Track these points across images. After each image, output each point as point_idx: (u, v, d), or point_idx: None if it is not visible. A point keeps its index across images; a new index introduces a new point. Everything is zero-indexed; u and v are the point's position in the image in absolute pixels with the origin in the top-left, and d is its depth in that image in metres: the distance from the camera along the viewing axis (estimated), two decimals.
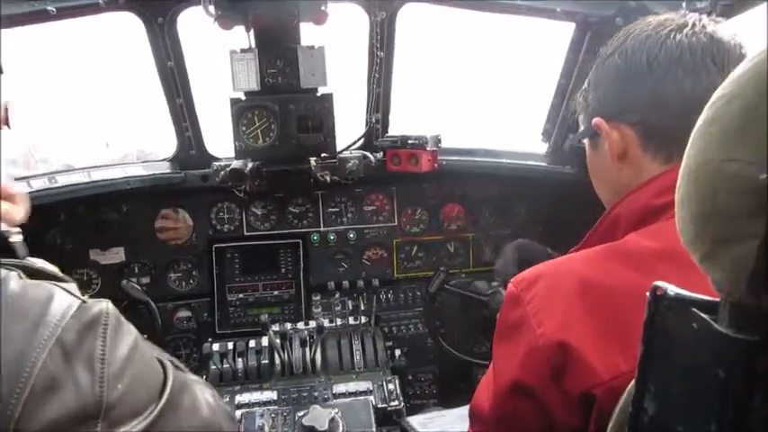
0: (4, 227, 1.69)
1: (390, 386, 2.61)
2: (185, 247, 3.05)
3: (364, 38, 2.66)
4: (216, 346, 2.78)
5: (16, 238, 1.85)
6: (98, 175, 2.74)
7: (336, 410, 2.27)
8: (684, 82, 1.19)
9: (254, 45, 2.50)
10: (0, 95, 1.28)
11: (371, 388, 2.60)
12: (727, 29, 1.23)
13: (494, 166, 3.08)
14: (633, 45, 1.28)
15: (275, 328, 2.84)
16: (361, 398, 2.53)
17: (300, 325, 3.02)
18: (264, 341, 2.80)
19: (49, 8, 2.21)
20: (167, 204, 3.01)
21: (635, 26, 1.32)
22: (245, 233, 3.10)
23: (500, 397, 1.22)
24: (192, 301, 3.07)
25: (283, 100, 2.59)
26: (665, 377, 0.76)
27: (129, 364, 1.00)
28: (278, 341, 2.76)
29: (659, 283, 0.74)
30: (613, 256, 1.16)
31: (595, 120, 1.34)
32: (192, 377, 1.33)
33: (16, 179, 2.59)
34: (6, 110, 1.28)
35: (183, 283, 3.08)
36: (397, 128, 2.97)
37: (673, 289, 0.73)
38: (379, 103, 2.85)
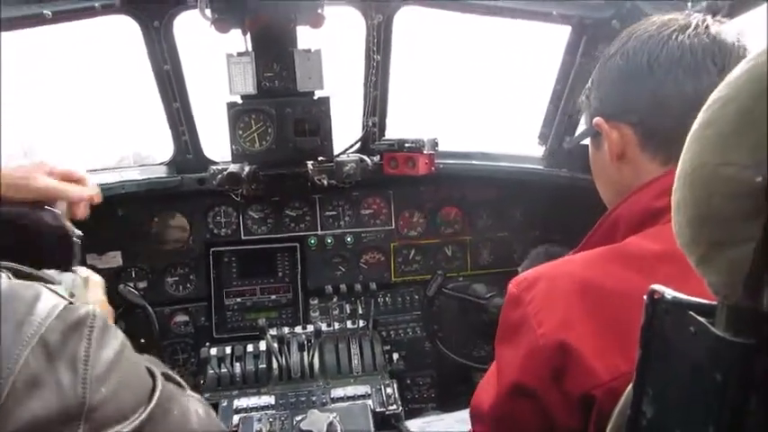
0: (69, 225, 1.78)
1: (389, 390, 2.60)
2: (182, 251, 3.05)
3: (361, 41, 2.67)
4: (213, 351, 2.77)
5: (76, 239, 1.92)
6: (94, 179, 2.71)
7: (334, 415, 2.26)
8: (685, 83, 1.19)
9: (250, 48, 2.50)
10: None
11: (370, 392, 2.59)
12: (732, 30, 1.23)
13: (491, 169, 3.08)
14: (635, 45, 1.28)
15: (273, 332, 2.83)
16: (360, 402, 2.53)
17: (298, 329, 3.01)
18: (262, 345, 2.80)
19: (45, 12, 2.21)
20: (164, 208, 3.00)
21: (638, 26, 1.32)
22: (243, 237, 3.10)
23: (501, 397, 1.22)
24: (189, 305, 3.07)
25: (280, 103, 2.58)
26: (663, 380, 0.76)
27: (115, 367, 1.00)
28: (275, 345, 2.75)
29: (656, 286, 0.74)
30: (614, 257, 1.16)
31: (596, 119, 1.35)
32: (189, 392, 1.32)
33: None
34: None
35: (181, 288, 3.07)
36: (394, 131, 2.97)
37: (670, 292, 0.73)
38: (375, 106, 2.85)
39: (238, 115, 2.59)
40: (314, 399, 2.56)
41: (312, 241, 3.14)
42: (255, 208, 3.10)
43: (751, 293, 0.59)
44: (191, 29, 2.51)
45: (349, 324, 3.07)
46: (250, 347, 2.80)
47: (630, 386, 0.83)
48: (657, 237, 1.12)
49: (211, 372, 2.72)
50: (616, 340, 1.02)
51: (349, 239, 3.17)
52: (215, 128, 2.78)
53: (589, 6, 2.46)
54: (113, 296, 2.81)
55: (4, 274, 0.96)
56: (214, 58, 2.57)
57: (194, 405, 1.27)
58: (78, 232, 1.99)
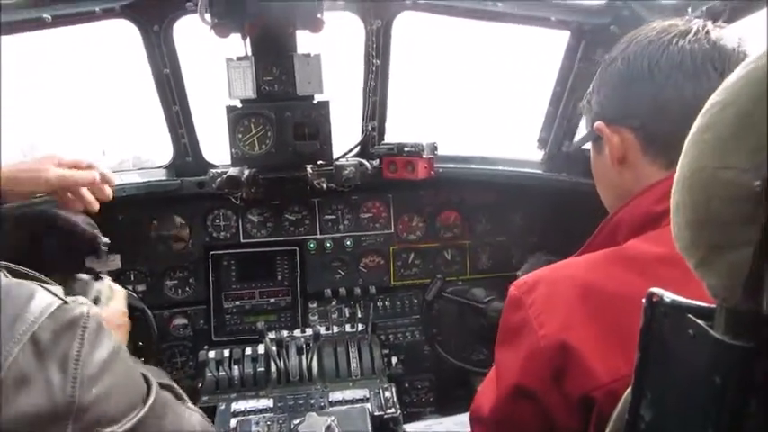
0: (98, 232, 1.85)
1: (387, 394, 2.60)
2: (181, 254, 3.05)
3: (360, 46, 2.67)
4: (212, 354, 2.77)
5: (104, 246, 1.99)
6: None
7: (333, 418, 2.26)
8: (685, 88, 1.20)
9: (250, 53, 2.50)
10: None
11: (368, 395, 2.59)
12: (732, 35, 1.24)
13: (490, 173, 3.09)
14: (635, 50, 1.29)
15: (271, 335, 2.82)
16: (358, 405, 2.52)
17: (297, 332, 3.01)
18: (261, 349, 2.79)
19: (44, 16, 2.22)
20: (163, 212, 3.00)
21: (639, 32, 1.33)
22: (242, 240, 3.10)
23: (502, 400, 1.22)
24: (188, 308, 3.06)
25: (279, 108, 2.58)
26: (662, 384, 0.76)
27: (108, 369, 1.00)
28: (274, 349, 2.75)
29: (655, 289, 0.74)
30: (616, 260, 1.17)
31: (597, 123, 1.35)
32: (189, 405, 1.33)
33: None
34: None
35: (180, 291, 3.07)
36: (393, 135, 2.98)
37: (669, 295, 0.73)
38: (375, 110, 2.86)
39: (238, 119, 2.59)
40: (312, 402, 2.56)
41: (311, 245, 3.14)
42: (255, 212, 3.11)
43: (750, 296, 0.59)
44: (190, 33, 2.52)
45: (348, 327, 3.07)
46: (249, 351, 2.79)
47: (628, 390, 0.83)
48: (659, 240, 1.12)
49: (210, 375, 2.71)
50: (617, 343, 1.03)
51: (348, 243, 3.17)
52: (214, 132, 2.78)
53: (588, 12, 2.47)
54: None
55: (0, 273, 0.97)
56: (214, 63, 2.58)
57: (191, 417, 1.28)
58: (105, 240, 2.07)
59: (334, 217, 3.18)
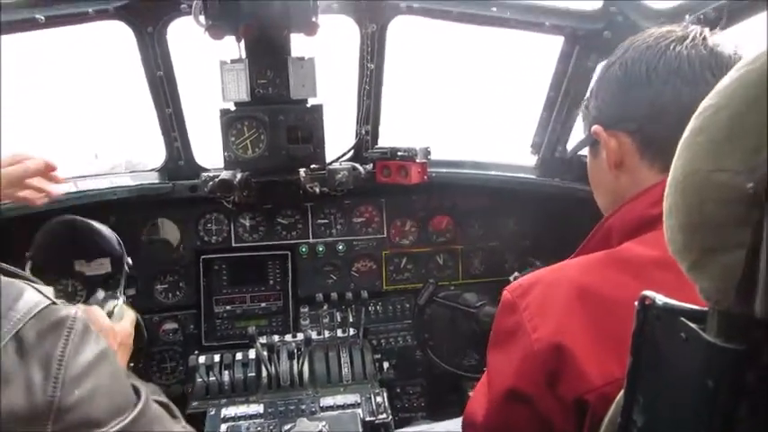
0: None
1: (378, 399, 2.59)
2: (172, 258, 3.03)
3: (355, 50, 2.67)
4: (202, 359, 2.74)
5: (127, 268, 2.04)
6: (85, 186, 2.71)
7: (324, 423, 2.25)
8: (682, 93, 1.21)
9: (244, 55, 2.50)
10: None
11: (359, 401, 2.57)
12: (729, 41, 1.25)
13: (483, 178, 3.09)
14: (633, 56, 1.30)
15: (262, 340, 2.81)
16: (349, 411, 2.50)
17: (288, 337, 2.99)
18: (251, 354, 2.77)
19: (37, 16, 2.21)
20: (155, 215, 2.99)
21: (637, 37, 1.34)
22: (233, 244, 3.08)
23: (495, 405, 1.21)
24: (178, 312, 3.04)
25: (273, 111, 2.58)
26: (654, 388, 0.76)
27: (92, 372, 0.98)
28: (265, 353, 2.73)
29: (648, 292, 0.74)
30: (611, 263, 1.17)
31: (594, 127, 1.36)
32: (183, 424, 1.32)
33: None
34: None
35: (170, 295, 3.05)
36: (386, 140, 2.97)
37: (661, 298, 0.73)
38: (369, 114, 2.86)
39: (231, 122, 2.58)
40: (303, 407, 2.54)
41: (303, 249, 3.13)
42: (247, 215, 3.09)
43: (743, 299, 0.59)
44: (184, 35, 2.51)
45: (339, 332, 3.05)
46: (239, 355, 2.78)
47: (620, 395, 0.83)
48: (654, 243, 1.12)
49: (200, 380, 2.69)
50: (611, 346, 1.02)
51: (340, 247, 3.16)
52: (207, 135, 2.76)
53: (581, 17, 2.48)
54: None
55: None
56: (207, 65, 2.57)
57: None
58: (130, 262, 2.13)
59: (326, 221, 3.17)
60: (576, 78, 2.62)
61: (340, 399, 2.59)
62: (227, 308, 3.08)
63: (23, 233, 2.18)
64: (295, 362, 2.75)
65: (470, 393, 1.40)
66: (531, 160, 3.11)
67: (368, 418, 2.48)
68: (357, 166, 2.90)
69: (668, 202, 0.70)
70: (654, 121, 1.25)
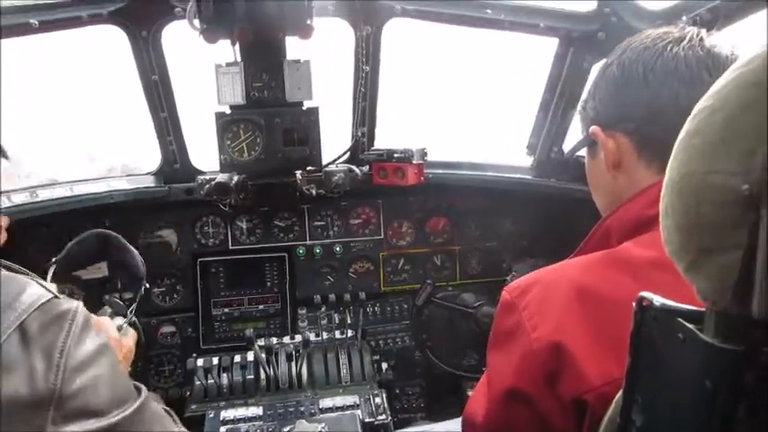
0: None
1: (377, 400, 2.59)
2: (169, 261, 3.02)
3: (350, 52, 2.67)
4: (200, 362, 2.75)
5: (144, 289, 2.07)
6: (81, 190, 2.71)
7: (323, 425, 2.25)
8: (679, 93, 1.21)
9: (239, 59, 2.50)
10: None
11: (358, 402, 2.58)
12: (726, 43, 1.25)
13: (479, 179, 3.09)
14: (631, 56, 1.30)
15: (261, 342, 2.80)
16: (348, 412, 2.51)
17: (286, 339, 2.99)
18: (250, 356, 2.77)
19: (31, 21, 2.20)
20: (151, 219, 2.98)
21: (634, 38, 1.34)
22: (231, 247, 3.08)
23: (495, 404, 1.21)
24: (176, 316, 3.04)
25: (269, 113, 2.58)
26: (653, 388, 0.76)
27: (93, 362, 1.02)
28: (263, 356, 2.73)
29: (645, 293, 0.74)
30: (611, 263, 1.17)
31: (592, 128, 1.36)
32: (183, 430, 1.34)
33: None
34: None
35: (167, 298, 3.04)
36: (382, 141, 2.98)
37: (658, 299, 0.73)
38: (365, 116, 2.86)
39: (227, 125, 2.58)
40: (302, 409, 2.54)
41: (301, 251, 3.12)
42: (243, 218, 3.09)
43: (740, 299, 0.59)
44: (179, 39, 2.51)
45: (337, 334, 3.05)
46: (237, 358, 2.78)
47: (619, 394, 0.83)
48: (652, 244, 1.13)
49: (198, 383, 2.69)
50: (611, 346, 1.03)
51: (338, 249, 3.16)
52: (203, 138, 2.76)
53: (576, 19, 2.48)
54: (99, 306, 2.78)
55: None
56: (202, 69, 2.57)
57: None
58: (147, 285, 2.17)
59: (323, 223, 3.17)
60: (570, 80, 2.62)
61: (339, 400, 2.59)
62: (225, 310, 3.08)
63: (23, 233, 2.17)
64: (293, 364, 2.76)
65: (469, 393, 1.40)
66: (527, 161, 3.11)
67: (367, 419, 2.49)
68: (353, 167, 2.89)
69: (665, 203, 0.70)
70: (651, 121, 1.25)
